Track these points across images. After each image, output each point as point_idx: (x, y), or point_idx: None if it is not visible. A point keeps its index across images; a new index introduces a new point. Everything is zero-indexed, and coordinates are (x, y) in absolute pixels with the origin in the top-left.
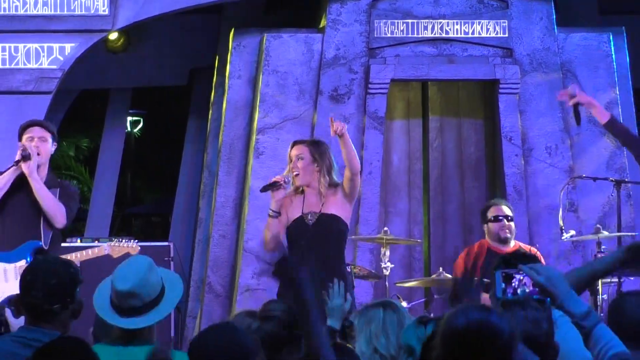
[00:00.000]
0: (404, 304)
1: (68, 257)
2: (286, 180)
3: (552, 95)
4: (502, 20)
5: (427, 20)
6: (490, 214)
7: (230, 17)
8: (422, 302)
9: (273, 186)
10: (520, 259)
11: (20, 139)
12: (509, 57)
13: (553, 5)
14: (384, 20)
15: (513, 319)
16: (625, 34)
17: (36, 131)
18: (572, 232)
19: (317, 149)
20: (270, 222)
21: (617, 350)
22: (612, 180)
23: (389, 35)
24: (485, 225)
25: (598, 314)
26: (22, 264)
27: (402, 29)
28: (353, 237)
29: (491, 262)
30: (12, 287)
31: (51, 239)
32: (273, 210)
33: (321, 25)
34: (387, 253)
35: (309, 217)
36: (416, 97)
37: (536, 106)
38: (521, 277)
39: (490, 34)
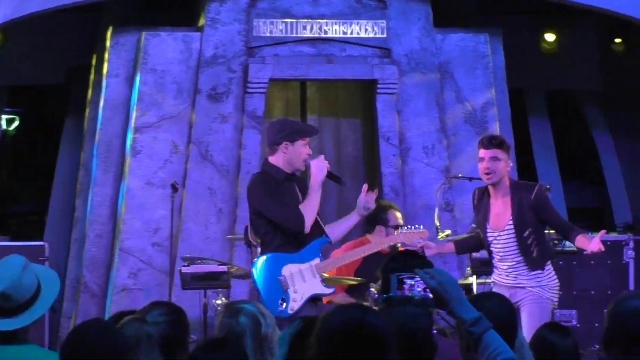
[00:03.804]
0: None
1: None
2: None
3: (430, 95)
4: (380, 21)
5: (306, 20)
6: (391, 220)
7: (110, 15)
8: None
9: None
10: (415, 258)
11: None
12: (387, 58)
13: (431, 6)
14: (263, 20)
15: (392, 314)
16: (501, 35)
17: None
18: (448, 232)
19: None
20: None
21: (505, 356)
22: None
23: (267, 34)
24: (378, 225)
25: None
26: (316, 262)
27: (281, 28)
28: (229, 236)
29: (378, 263)
30: (310, 286)
31: None
32: None
33: (200, 24)
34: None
35: None
36: (295, 96)
37: (414, 106)
38: (412, 282)
39: (368, 34)
